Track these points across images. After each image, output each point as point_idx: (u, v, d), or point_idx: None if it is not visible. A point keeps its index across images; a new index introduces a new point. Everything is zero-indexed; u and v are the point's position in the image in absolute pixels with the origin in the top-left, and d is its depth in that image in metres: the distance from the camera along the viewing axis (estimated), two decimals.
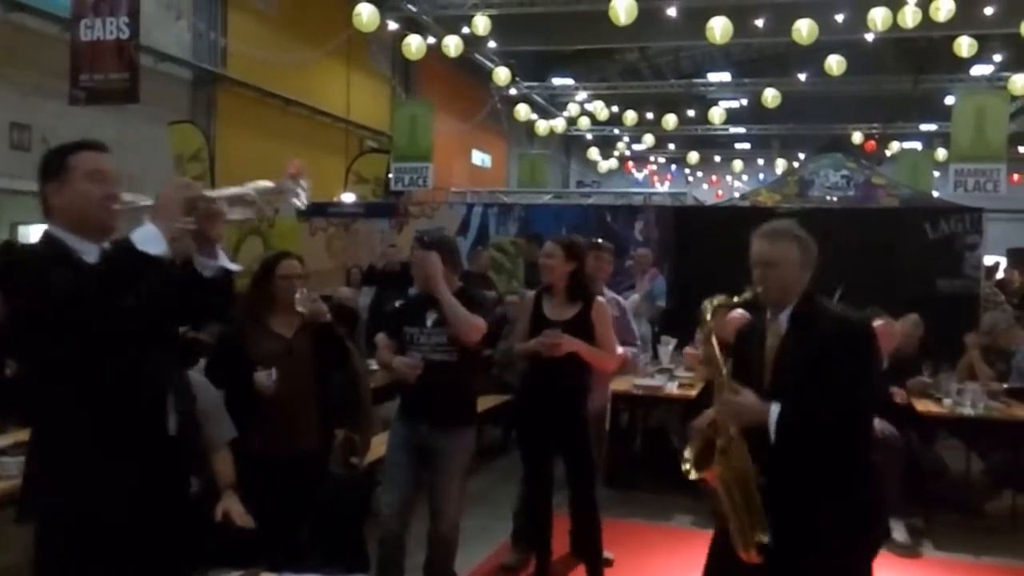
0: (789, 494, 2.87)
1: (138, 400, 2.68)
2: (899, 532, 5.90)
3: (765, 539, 2.85)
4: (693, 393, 6.83)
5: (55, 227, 2.70)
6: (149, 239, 2.51)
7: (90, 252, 2.67)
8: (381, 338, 4.65)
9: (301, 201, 2.73)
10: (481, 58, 22.13)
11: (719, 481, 2.91)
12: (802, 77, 24.21)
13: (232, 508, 3.93)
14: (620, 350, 5.03)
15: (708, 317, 3.04)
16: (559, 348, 4.58)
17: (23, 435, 3.65)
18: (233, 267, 2.81)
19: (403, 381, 4.46)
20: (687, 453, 3.02)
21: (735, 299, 3.04)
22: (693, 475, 2.97)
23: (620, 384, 7.03)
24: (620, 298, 5.58)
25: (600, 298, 4.88)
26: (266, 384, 4.11)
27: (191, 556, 2.93)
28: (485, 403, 6.50)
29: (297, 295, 4.15)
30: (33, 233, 11.71)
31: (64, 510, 2.61)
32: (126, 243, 2.52)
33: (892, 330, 6.25)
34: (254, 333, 4.23)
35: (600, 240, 6.02)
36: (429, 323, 4.40)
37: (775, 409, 2.81)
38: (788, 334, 2.99)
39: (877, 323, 6.62)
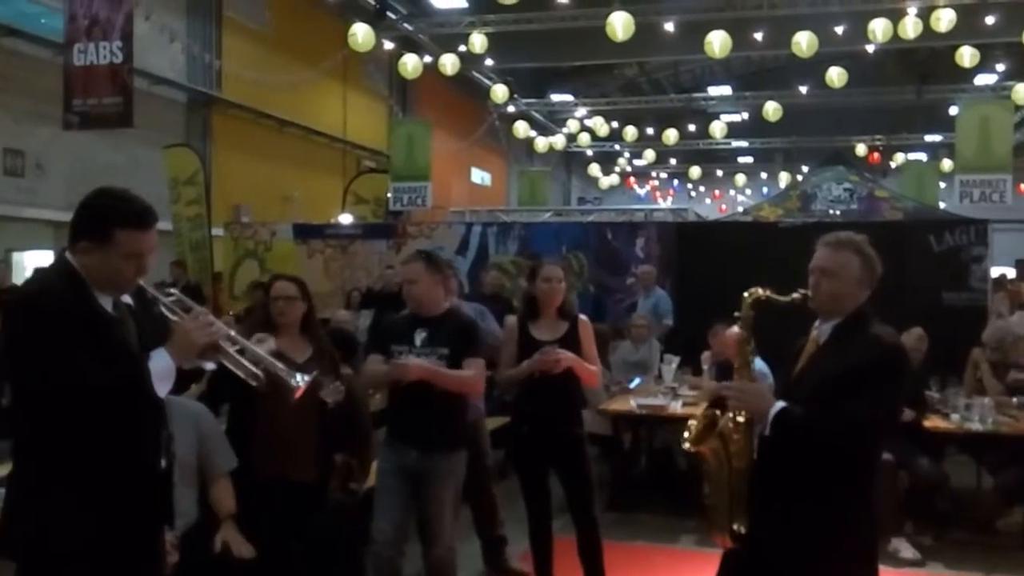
0: (771, 492, 2.90)
1: (136, 439, 2.63)
2: (906, 549, 5.81)
3: (742, 529, 2.92)
4: (698, 412, 6.67)
5: (76, 264, 2.61)
6: (163, 377, 2.57)
7: (105, 300, 2.64)
8: (370, 358, 4.54)
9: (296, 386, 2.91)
10: (479, 76, 22.16)
11: (711, 458, 2.95)
12: (803, 89, 24.17)
13: (231, 538, 3.93)
14: None
15: (746, 305, 3.03)
16: (559, 365, 4.53)
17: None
18: (209, 367, 2.83)
19: (392, 404, 4.39)
20: (689, 424, 3.06)
21: (781, 297, 3.00)
22: (688, 447, 2.99)
23: (623, 404, 6.92)
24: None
25: (583, 316, 4.88)
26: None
27: None
28: (487, 425, 6.34)
29: (329, 386, 4.08)
30: (27, 260, 11.63)
31: (50, 551, 2.53)
32: (144, 378, 2.52)
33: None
34: None
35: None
36: (418, 342, 4.31)
37: (778, 404, 2.84)
38: (825, 345, 2.98)
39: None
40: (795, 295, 2.98)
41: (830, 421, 2.77)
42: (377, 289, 10.44)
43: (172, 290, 2.86)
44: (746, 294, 3.04)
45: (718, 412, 3.02)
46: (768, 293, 3.01)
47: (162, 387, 2.55)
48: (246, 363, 2.79)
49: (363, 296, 10.63)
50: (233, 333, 2.79)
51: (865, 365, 2.82)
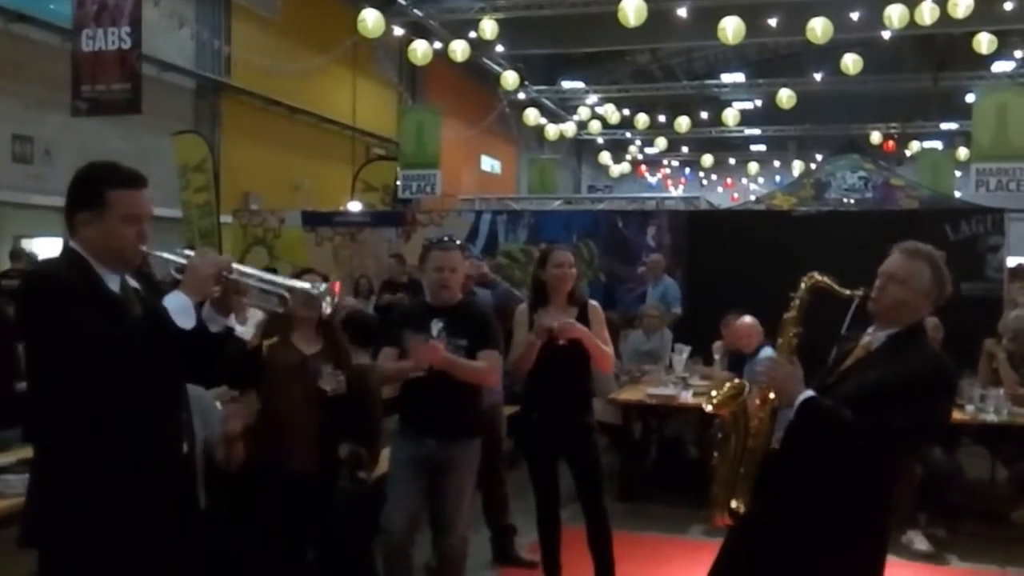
0: (789, 482, 2.86)
1: (156, 426, 2.63)
2: (920, 542, 5.79)
3: (741, 508, 2.89)
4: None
5: (80, 248, 2.63)
6: (182, 311, 2.50)
7: (112, 280, 2.65)
8: (383, 352, 4.47)
9: (325, 308, 2.96)
10: (489, 62, 22.02)
11: (729, 422, 2.91)
12: (818, 77, 23.98)
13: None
14: None
15: (802, 288, 2.99)
16: (568, 332, 4.48)
17: (26, 452, 3.66)
18: (239, 328, 2.78)
19: (407, 394, 4.35)
20: (715, 392, 3.01)
21: (840, 289, 2.93)
22: (708, 407, 2.95)
23: (633, 393, 6.88)
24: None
25: (593, 301, 4.85)
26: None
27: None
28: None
29: (325, 372, 4.10)
30: (36, 247, 11.61)
31: (76, 544, 2.53)
32: (162, 314, 2.49)
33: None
34: (273, 343, 4.19)
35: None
36: (435, 332, 4.24)
37: (808, 392, 2.79)
38: (877, 352, 2.90)
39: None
40: (857, 292, 2.91)
41: (862, 423, 2.70)
42: (384, 279, 10.46)
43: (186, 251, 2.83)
44: (805, 278, 2.98)
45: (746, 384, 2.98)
46: (827, 280, 2.95)
47: (184, 320, 2.50)
48: (267, 287, 2.74)
49: (382, 286, 10.55)
50: (242, 267, 2.72)
51: (917, 378, 2.76)
